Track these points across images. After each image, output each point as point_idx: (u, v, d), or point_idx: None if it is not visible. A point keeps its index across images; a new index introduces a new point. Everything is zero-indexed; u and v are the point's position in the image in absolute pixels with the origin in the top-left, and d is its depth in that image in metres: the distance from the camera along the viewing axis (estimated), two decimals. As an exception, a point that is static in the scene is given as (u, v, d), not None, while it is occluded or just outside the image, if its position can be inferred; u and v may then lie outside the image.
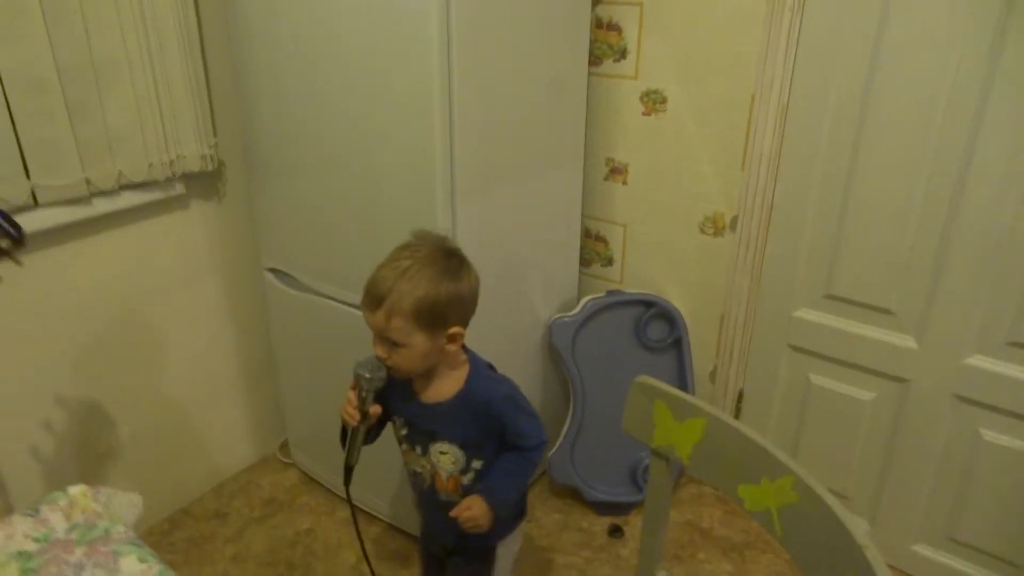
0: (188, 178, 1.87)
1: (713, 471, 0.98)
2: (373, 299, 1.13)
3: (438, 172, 1.52)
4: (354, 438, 1.23)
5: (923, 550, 1.86)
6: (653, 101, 1.92)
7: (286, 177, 1.81)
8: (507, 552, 1.40)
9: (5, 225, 1.14)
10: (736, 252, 1.90)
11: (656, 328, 2.03)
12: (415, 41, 1.43)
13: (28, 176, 1.56)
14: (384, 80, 1.51)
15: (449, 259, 1.17)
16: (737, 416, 2.08)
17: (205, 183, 1.95)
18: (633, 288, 2.10)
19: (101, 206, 1.70)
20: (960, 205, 1.56)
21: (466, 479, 1.26)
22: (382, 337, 1.15)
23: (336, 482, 2.14)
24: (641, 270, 2.12)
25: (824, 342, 1.85)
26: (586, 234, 2.17)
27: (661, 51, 1.86)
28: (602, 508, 2.11)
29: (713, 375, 2.08)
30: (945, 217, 1.58)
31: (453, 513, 1.19)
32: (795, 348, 1.91)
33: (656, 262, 2.08)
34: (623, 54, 1.92)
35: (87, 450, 1.85)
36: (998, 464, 1.67)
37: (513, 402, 1.24)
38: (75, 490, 0.90)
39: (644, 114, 1.94)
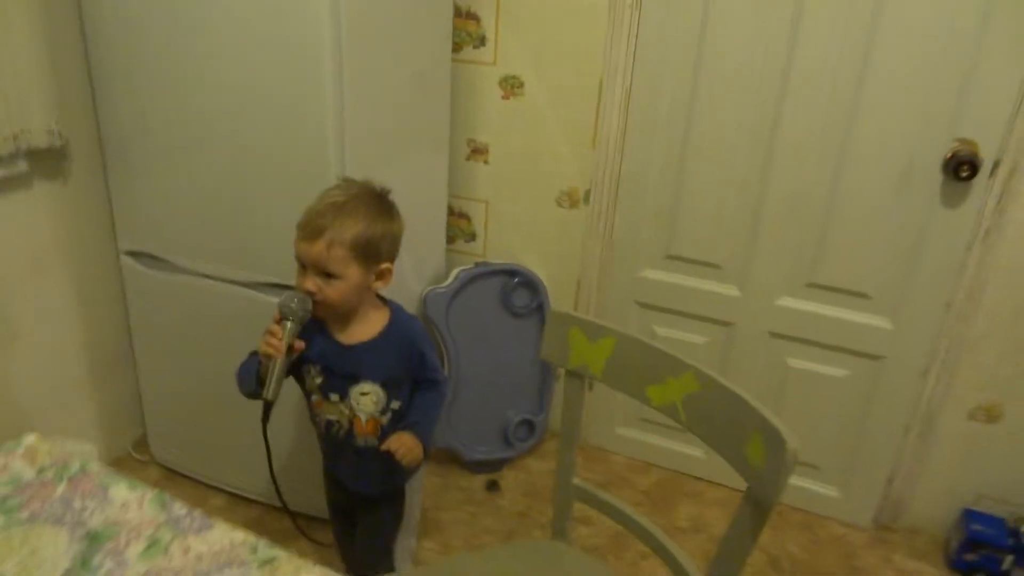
0: (32, 156, 1.73)
1: (623, 380, 1.16)
2: (313, 230, 1.19)
3: (331, 157, 1.58)
4: (276, 372, 1.22)
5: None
6: (511, 86, 2.10)
7: (150, 154, 1.74)
8: (413, 491, 1.50)
9: None
10: (589, 222, 2.14)
11: (520, 295, 2.22)
12: (306, 35, 1.49)
13: None
14: (272, 57, 1.53)
15: (382, 199, 1.27)
16: (593, 371, 2.32)
17: (50, 162, 1.81)
18: (495, 260, 2.27)
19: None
20: (769, 172, 1.90)
21: (385, 419, 1.34)
22: (317, 269, 1.21)
23: (205, 471, 2.08)
24: (503, 243, 2.29)
25: (665, 297, 2.14)
26: (449, 212, 2.30)
27: (517, 40, 2.04)
28: (477, 466, 2.26)
29: (571, 335, 2.30)
30: (758, 183, 1.92)
31: (386, 446, 1.25)
32: (642, 304, 2.18)
33: (517, 235, 2.26)
34: (482, 41, 2.08)
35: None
36: (802, 385, 2.05)
37: (428, 338, 1.36)
38: (29, 438, 0.86)
39: (503, 98, 2.12)
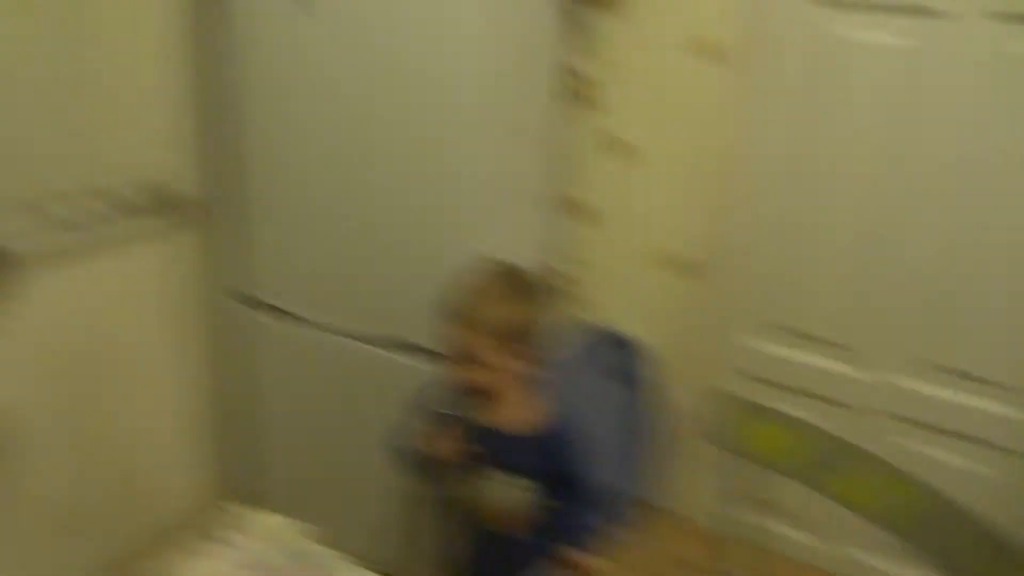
0: (172, 208, 1.75)
1: (799, 470, 1.09)
2: (458, 317, 1.17)
3: (463, 216, 1.60)
4: (448, 472, 1.23)
5: (859, 555, 2.08)
6: (620, 147, 2.07)
7: (290, 208, 1.77)
8: None
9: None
10: (697, 289, 2.09)
11: (624, 362, 2.15)
12: (443, 96, 1.52)
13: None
14: (405, 120, 1.56)
15: (524, 280, 1.24)
16: (694, 443, 2.23)
17: (185, 214, 1.82)
18: (596, 325, 2.21)
19: (87, 234, 1.55)
20: (896, 243, 1.82)
21: (531, 512, 1.28)
22: (464, 355, 1.17)
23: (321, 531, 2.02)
24: (604, 308, 2.24)
25: (772, 370, 2.06)
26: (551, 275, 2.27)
27: (628, 101, 2.04)
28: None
29: (673, 405, 2.23)
30: (880, 254, 1.84)
31: None
32: (750, 377, 2.10)
33: (619, 299, 2.22)
34: (590, 101, 2.07)
35: (45, 500, 1.62)
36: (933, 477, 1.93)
37: (585, 441, 1.30)
38: (254, 514, 0.83)
39: (610, 159, 2.09)
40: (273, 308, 1.87)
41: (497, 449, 1.26)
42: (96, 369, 1.67)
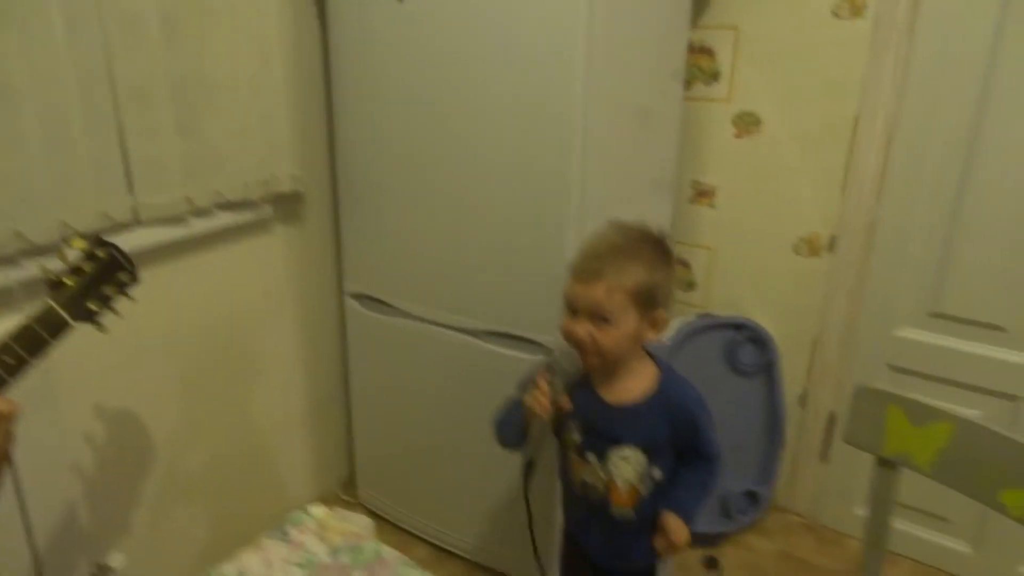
0: (275, 200, 1.79)
1: (963, 478, 0.94)
2: (591, 273, 1.11)
3: (573, 195, 1.49)
4: (538, 430, 1.18)
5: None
6: (746, 123, 1.92)
7: (384, 201, 1.75)
8: (667, 571, 1.35)
9: (123, 260, 1.07)
10: (834, 273, 1.89)
11: (747, 352, 2.00)
12: (557, 71, 1.43)
13: (132, 192, 1.47)
14: (517, 106, 1.48)
15: (661, 244, 1.17)
16: (828, 440, 2.04)
17: (287, 207, 1.87)
18: (718, 312, 2.07)
19: (196, 226, 1.61)
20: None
21: (644, 489, 1.21)
22: (591, 313, 1.12)
23: (410, 519, 2.03)
24: (727, 294, 2.09)
25: (928, 361, 1.83)
26: (666, 258, 2.15)
27: (757, 74, 1.87)
28: (692, 540, 2.04)
29: (803, 399, 2.05)
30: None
31: (660, 548, 1.15)
32: (896, 368, 1.89)
33: (744, 285, 2.06)
34: (715, 77, 1.93)
35: (167, 478, 1.71)
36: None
37: (704, 406, 1.21)
38: (318, 511, 0.81)
39: (736, 136, 1.94)
40: (364, 296, 1.87)
41: (604, 419, 1.19)
42: (216, 353, 1.75)
